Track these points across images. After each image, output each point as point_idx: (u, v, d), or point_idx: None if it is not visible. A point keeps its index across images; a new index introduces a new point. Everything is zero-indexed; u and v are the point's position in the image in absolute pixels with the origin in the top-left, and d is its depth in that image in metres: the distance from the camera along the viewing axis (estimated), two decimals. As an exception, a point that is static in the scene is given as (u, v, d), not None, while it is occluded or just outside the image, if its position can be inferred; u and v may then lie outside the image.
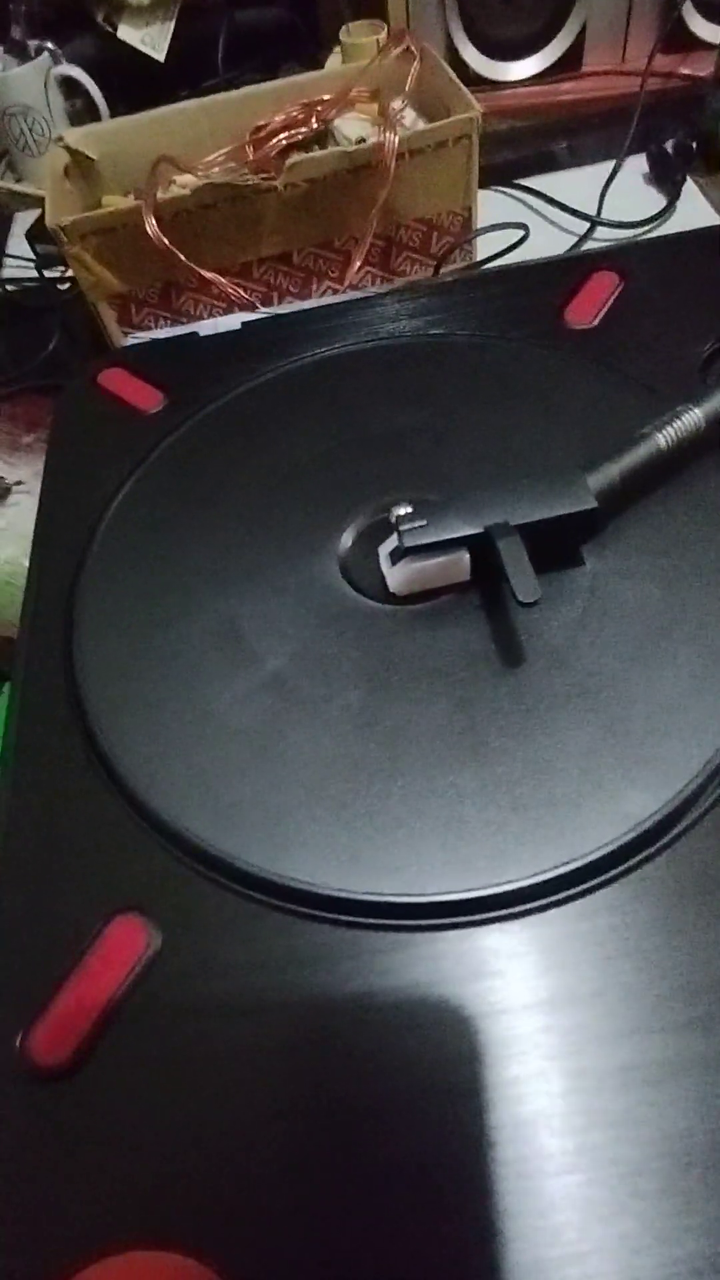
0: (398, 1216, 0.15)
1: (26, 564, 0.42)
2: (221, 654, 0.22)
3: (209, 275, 0.56)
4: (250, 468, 0.27)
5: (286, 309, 0.45)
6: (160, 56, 0.76)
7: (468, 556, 0.22)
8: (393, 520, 0.22)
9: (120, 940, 0.18)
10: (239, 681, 0.22)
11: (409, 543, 0.21)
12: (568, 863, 0.18)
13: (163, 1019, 0.17)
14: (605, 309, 0.28)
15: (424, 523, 0.21)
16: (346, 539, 0.24)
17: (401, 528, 0.22)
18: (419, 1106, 0.16)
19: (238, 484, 0.26)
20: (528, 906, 0.18)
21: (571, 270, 0.29)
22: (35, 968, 0.18)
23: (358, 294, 0.41)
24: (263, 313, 0.40)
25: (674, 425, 0.22)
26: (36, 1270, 0.15)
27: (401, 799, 0.19)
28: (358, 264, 0.59)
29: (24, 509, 0.48)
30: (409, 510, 0.22)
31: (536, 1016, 0.17)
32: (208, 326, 0.35)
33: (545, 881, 0.18)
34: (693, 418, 0.22)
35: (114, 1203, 0.15)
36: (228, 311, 0.59)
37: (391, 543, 0.23)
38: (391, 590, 0.23)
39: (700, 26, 0.75)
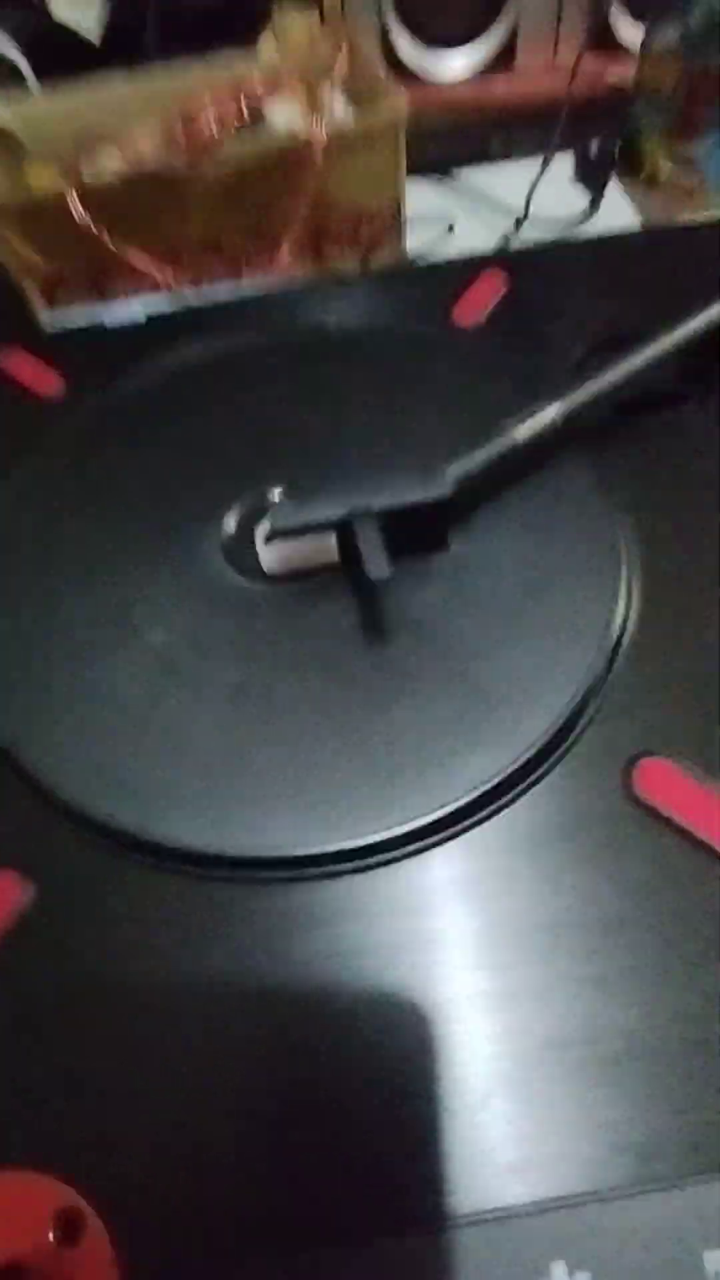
0: (241, 1140, 0.16)
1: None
2: (107, 631, 0.23)
3: (135, 258, 0.55)
4: (144, 455, 0.28)
5: (206, 291, 0.45)
6: (94, 36, 0.75)
7: (334, 539, 0.23)
8: (267, 504, 0.23)
9: None
10: (123, 656, 0.23)
11: (276, 525, 0.23)
12: (415, 819, 0.19)
13: (33, 965, 0.18)
14: (491, 309, 0.30)
15: (293, 507, 0.23)
16: (229, 523, 0.26)
17: (273, 510, 0.23)
18: (275, 1039, 0.17)
19: (130, 472, 0.27)
20: (379, 859, 0.19)
21: (462, 271, 0.31)
22: None
23: (262, 288, 0.42)
24: (172, 303, 0.41)
25: (531, 422, 0.24)
26: None
27: (266, 765, 0.20)
28: (286, 251, 0.59)
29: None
30: (281, 496, 0.23)
31: (386, 957, 0.18)
32: (114, 314, 0.36)
33: (393, 837, 0.19)
34: (548, 414, 0.24)
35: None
36: (156, 293, 0.59)
37: (266, 526, 0.24)
38: (265, 570, 0.24)
39: (627, 30, 0.77)
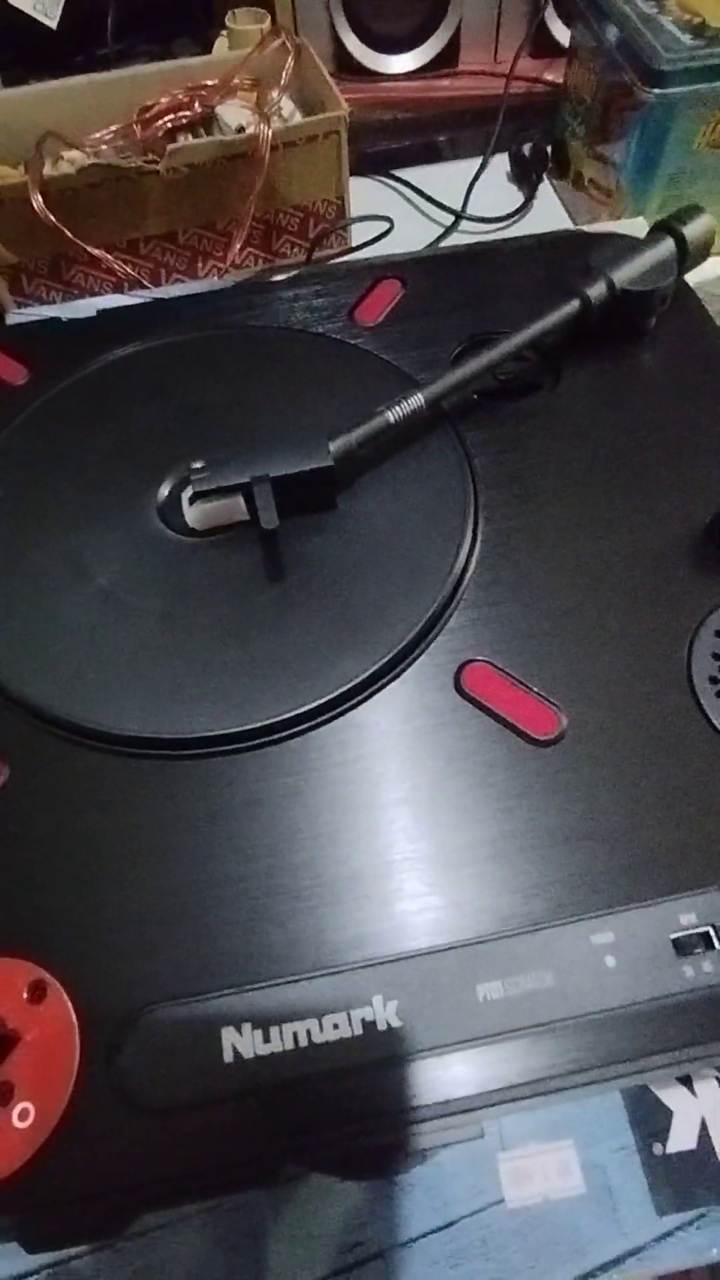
0: (153, 930, 0.23)
1: None
2: (65, 576, 0.29)
3: (96, 252, 0.60)
4: (96, 434, 0.33)
5: (157, 291, 0.50)
6: (53, 24, 0.78)
7: (243, 500, 0.29)
8: (190, 474, 0.29)
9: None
10: (77, 594, 0.29)
11: (195, 488, 0.29)
12: (296, 708, 0.26)
13: (10, 822, 0.25)
14: (387, 311, 0.35)
15: (208, 474, 0.29)
16: (163, 490, 0.32)
17: (193, 477, 0.29)
18: (175, 862, 0.24)
19: (84, 448, 0.33)
20: (265, 739, 0.26)
21: (365, 277, 0.36)
22: None
23: (209, 285, 0.47)
24: (127, 299, 0.46)
25: (402, 404, 0.30)
26: None
27: (187, 671, 0.27)
28: (238, 246, 0.64)
29: None
30: (201, 465, 0.29)
31: (267, 808, 0.25)
32: (71, 309, 0.41)
33: (277, 722, 0.26)
34: (416, 400, 0.30)
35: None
36: (117, 286, 0.63)
37: (190, 490, 0.30)
38: (190, 525, 0.30)
39: (561, 33, 0.82)
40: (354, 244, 0.65)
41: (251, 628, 0.27)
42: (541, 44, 0.80)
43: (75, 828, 0.24)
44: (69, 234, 0.58)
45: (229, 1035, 0.21)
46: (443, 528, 0.29)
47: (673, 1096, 0.26)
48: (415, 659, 0.26)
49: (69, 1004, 0.21)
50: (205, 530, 0.30)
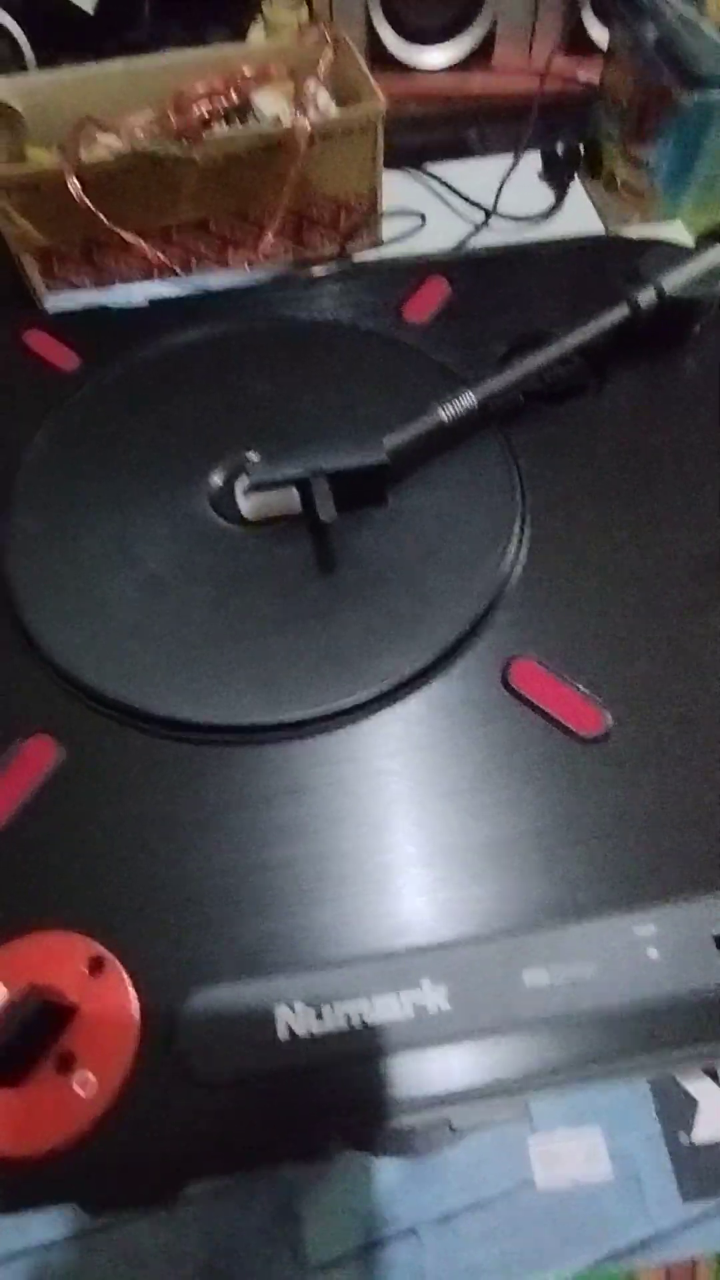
0: (211, 908, 0.23)
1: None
2: (117, 559, 0.30)
3: (129, 237, 0.60)
4: (146, 421, 0.34)
5: (196, 280, 0.51)
6: (89, 7, 0.78)
7: (297, 492, 0.30)
8: (245, 464, 0.30)
9: (36, 753, 0.26)
10: (129, 578, 0.29)
11: (254, 480, 0.29)
12: (348, 700, 0.26)
13: (67, 802, 0.25)
14: (435, 310, 0.36)
15: (265, 466, 0.29)
16: (215, 478, 0.32)
17: (250, 470, 0.29)
18: (230, 846, 0.24)
19: (136, 433, 0.33)
20: (318, 728, 0.26)
21: (412, 274, 0.37)
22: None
23: (253, 277, 0.47)
24: (171, 288, 0.46)
25: (453, 403, 0.30)
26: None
27: (238, 658, 0.27)
28: (270, 235, 0.64)
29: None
30: (257, 457, 0.30)
31: (318, 795, 0.25)
32: (119, 295, 0.41)
33: (330, 713, 0.26)
34: (469, 400, 0.30)
35: (29, 905, 0.23)
36: (147, 271, 0.63)
37: (245, 481, 0.31)
38: (244, 516, 0.31)
39: (597, 32, 0.82)
40: (383, 238, 0.66)
41: (302, 618, 0.28)
42: (576, 42, 0.80)
43: (130, 809, 0.25)
44: (104, 219, 0.58)
45: (283, 1013, 0.21)
46: (490, 526, 0.29)
47: (700, 1088, 0.27)
48: (463, 654, 0.27)
49: (126, 979, 0.22)
50: (257, 520, 0.30)
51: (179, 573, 0.29)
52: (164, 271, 0.64)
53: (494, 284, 0.36)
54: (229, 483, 0.32)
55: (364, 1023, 0.21)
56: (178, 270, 0.64)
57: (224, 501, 0.31)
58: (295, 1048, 0.21)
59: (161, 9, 0.80)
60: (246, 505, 0.30)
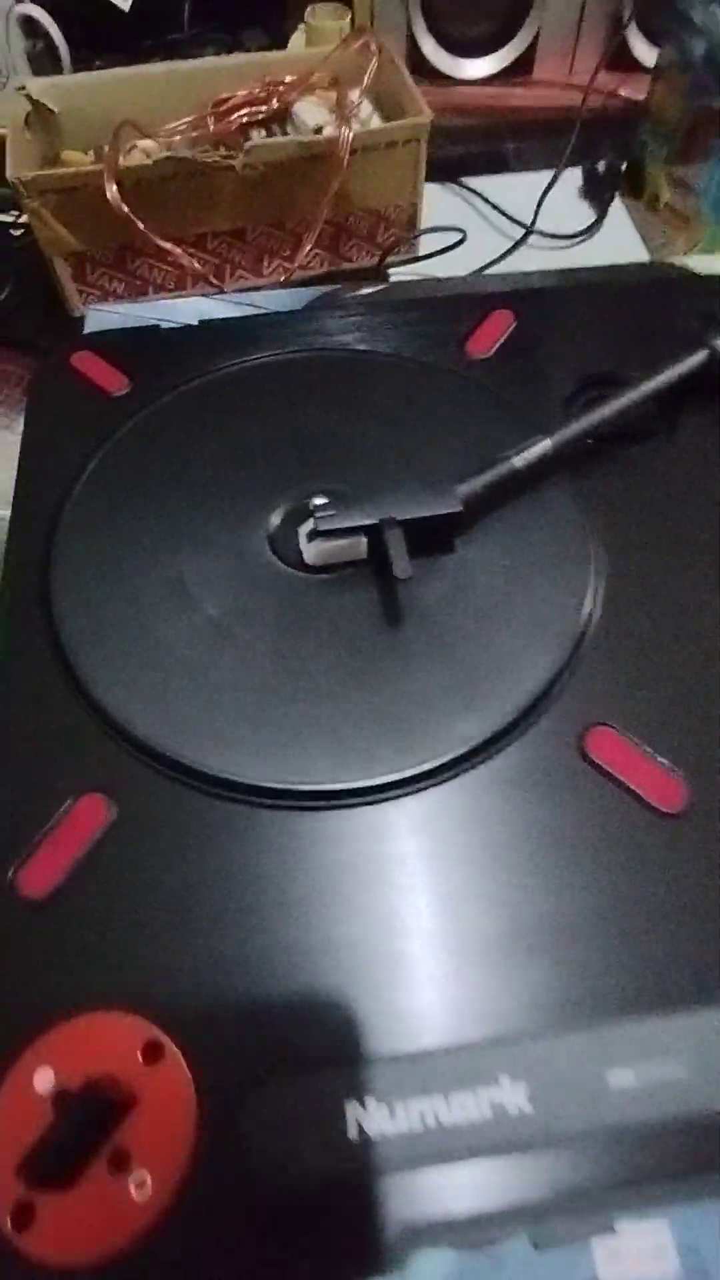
0: (277, 989, 0.22)
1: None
2: (171, 602, 0.28)
3: (165, 244, 0.59)
4: (200, 451, 0.32)
5: (242, 297, 0.49)
6: (125, 5, 0.77)
7: (365, 540, 0.28)
8: (311, 508, 0.28)
9: (88, 812, 0.24)
10: (184, 623, 0.28)
11: (321, 527, 0.28)
12: (415, 767, 0.25)
13: (118, 867, 0.24)
14: (499, 344, 0.35)
15: (334, 513, 0.28)
16: (274, 518, 0.31)
17: (317, 515, 0.28)
18: (296, 920, 0.23)
19: (189, 464, 0.32)
20: (384, 796, 0.25)
21: (476, 306, 0.35)
22: (23, 826, 0.24)
23: (303, 296, 0.46)
24: (219, 306, 0.44)
25: (529, 451, 0.29)
26: (23, 1026, 0.21)
27: (301, 717, 0.26)
28: (308, 247, 0.63)
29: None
30: (324, 501, 0.28)
31: (384, 867, 0.24)
32: (162, 311, 0.40)
33: (398, 779, 0.25)
34: (543, 446, 0.29)
35: (78, 983, 0.22)
36: (180, 279, 0.62)
37: (309, 525, 0.29)
38: (306, 561, 0.29)
39: (641, 50, 0.81)
40: (420, 254, 0.65)
41: (367, 674, 0.26)
42: (620, 58, 0.79)
43: (187, 875, 0.23)
44: (140, 225, 0.57)
45: (353, 1109, 0.20)
46: (563, 579, 0.28)
47: (772, 1181, 0.26)
48: (536, 720, 0.26)
49: (185, 1067, 0.21)
50: (319, 566, 0.29)
51: (237, 619, 0.28)
52: (198, 280, 0.63)
53: (561, 319, 0.35)
54: (290, 524, 0.30)
55: (439, 1122, 0.20)
56: (212, 280, 0.63)
57: (284, 544, 0.30)
58: (366, 1148, 0.20)
59: (199, 11, 0.79)
60: (310, 551, 0.29)
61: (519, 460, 0.28)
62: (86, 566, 0.29)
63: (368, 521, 0.27)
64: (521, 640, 0.27)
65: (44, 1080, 0.21)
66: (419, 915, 0.23)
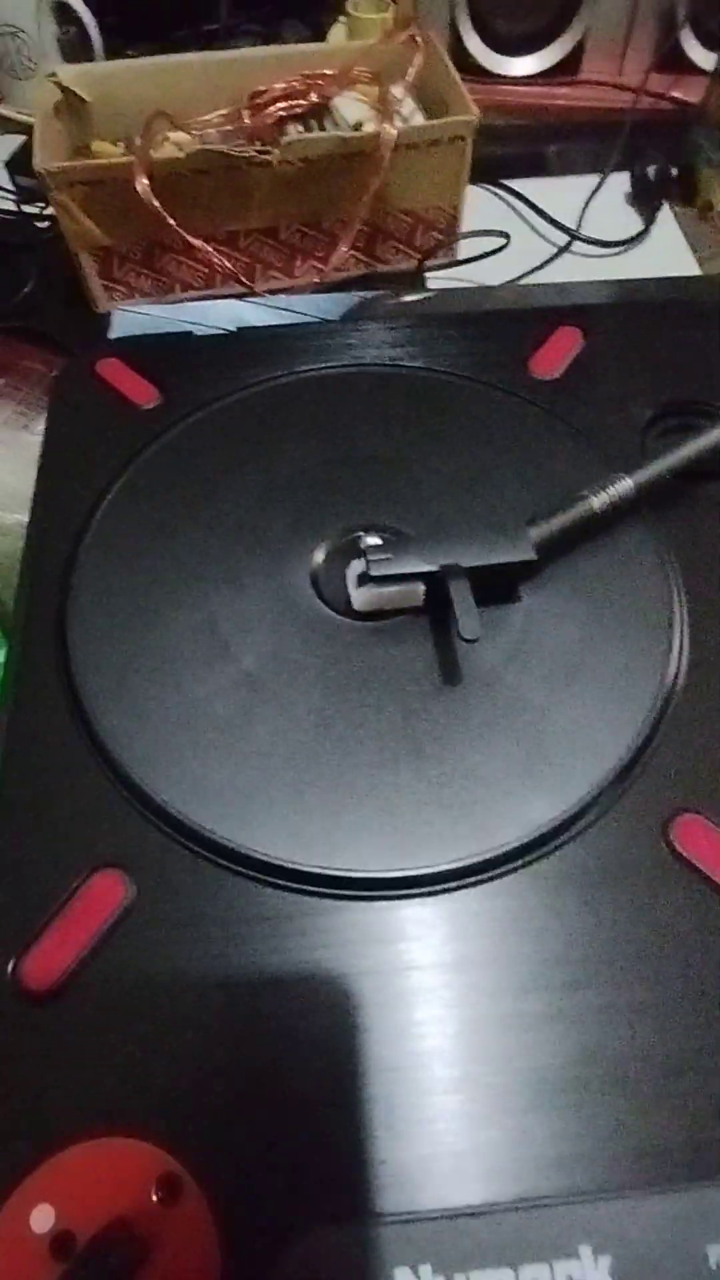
0: (317, 1117, 0.19)
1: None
2: (202, 649, 0.25)
3: (195, 241, 0.56)
4: (237, 475, 0.29)
5: (279, 301, 0.46)
6: (160, -10, 0.74)
7: (423, 587, 0.25)
8: (363, 548, 0.25)
9: (102, 891, 0.21)
10: (216, 675, 0.25)
11: (375, 572, 0.24)
12: (478, 854, 0.22)
13: (133, 957, 0.21)
14: (567, 364, 0.31)
15: (390, 556, 0.24)
16: (318, 555, 0.27)
17: (370, 557, 0.25)
18: (341, 1036, 0.20)
19: (223, 489, 0.29)
20: (443, 886, 0.21)
21: (540, 322, 0.32)
22: (28, 907, 0.21)
23: (344, 302, 0.43)
24: (255, 312, 0.41)
25: (608, 491, 0.26)
26: (19, 1154, 0.18)
27: (347, 790, 0.23)
28: (343, 248, 0.60)
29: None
30: (378, 542, 0.25)
31: (441, 974, 0.21)
32: (196, 312, 0.37)
33: (459, 868, 0.21)
34: (625, 487, 0.26)
35: (84, 1101, 0.19)
36: (209, 279, 0.59)
37: (359, 566, 0.26)
38: (355, 607, 0.26)
39: (696, 52, 0.77)
40: (460, 258, 0.62)
41: (423, 743, 0.23)
42: (672, 59, 0.76)
43: (211, 970, 0.20)
44: (171, 221, 0.54)
45: (404, 1276, 0.17)
46: (642, 635, 0.25)
47: None
48: (614, 803, 0.22)
49: (206, 1208, 0.18)
50: (369, 613, 0.26)
51: (275, 671, 0.25)
52: (228, 279, 0.60)
53: (634, 338, 0.32)
54: (335, 563, 0.27)
55: (507, 1299, 0.17)
56: (242, 279, 0.60)
57: (329, 584, 0.27)
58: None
59: (236, 0, 0.76)
60: (360, 597, 0.26)
61: (597, 501, 0.25)
62: (108, 604, 0.26)
63: (428, 568, 0.24)
64: (597, 708, 0.23)
65: (43, 1219, 0.18)
66: (478, 1035, 0.20)
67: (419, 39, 0.60)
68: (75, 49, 0.69)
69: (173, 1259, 0.17)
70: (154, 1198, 0.18)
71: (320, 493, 0.28)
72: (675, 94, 0.77)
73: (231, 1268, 0.17)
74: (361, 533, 0.27)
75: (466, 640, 0.22)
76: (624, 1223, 0.17)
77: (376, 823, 0.22)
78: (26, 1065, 0.19)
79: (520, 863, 0.22)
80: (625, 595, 0.26)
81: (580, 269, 0.63)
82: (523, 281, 0.59)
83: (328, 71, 0.63)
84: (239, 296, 0.58)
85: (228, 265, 0.59)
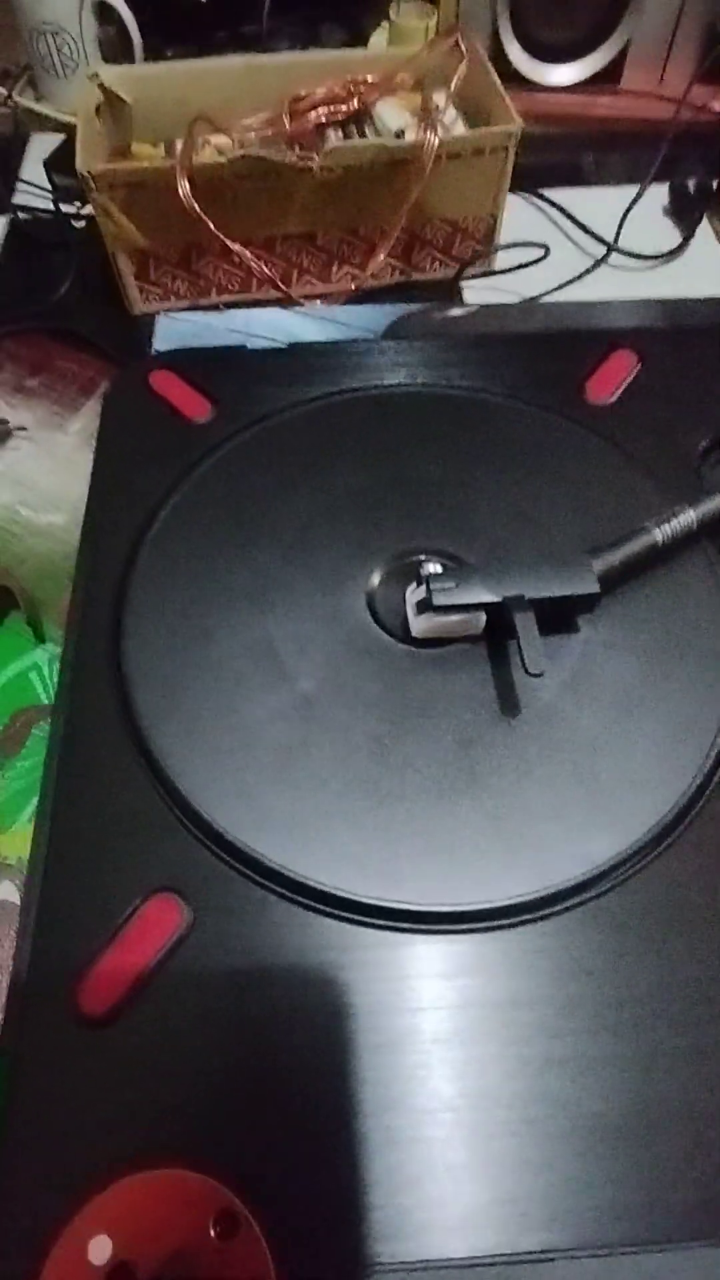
0: (376, 1155, 0.19)
1: (22, 511, 0.43)
2: (258, 670, 0.25)
3: (233, 246, 0.56)
4: (291, 492, 0.29)
5: (318, 310, 0.46)
6: (201, -8, 0.74)
7: (485, 616, 0.25)
8: (424, 575, 0.25)
9: (158, 916, 0.21)
10: (272, 697, 0.25)
11: (438, 601, 0.24)
12: (537, 891, 0.21)
13: (189, 984, 0.20)
14: (622, 389, 0.31)
15: (453, 584, 0.24)
16: (375, 578, 0.27)
17: (433, 585, 0.24)
18: (398, 1072, 0.20)
19: (278, 507, 0.28)
20: (499, 923, 0.21)
21: (595, 345, 0.32)
22: (85, 931, 0.21)
23: (391, 313, 0.43)
24: (306, 326, 0.41)
25: (671, 524, 0.25)
26: (76, 1182, 0.18)
27: (405, 820, 0.22)
28: (381, 255, 0.60)
29: (24, 454, 0.49)
30: (439, 570, 0.25)
31: (498, 1011, 0.21)
32: (239, 321, 0.37)
33: (517, 904, 0.21)
34: (688, 519, 0.25)
35: (141, 1129, 0.19)
36: (245, 283, 0.59)
37: (419, 593, 0.26)
38: (414, 634, 0.26)
39: (737, 64, 0.76)
40: (497, 268, 0.61)
41: (482, 776, 0.23)
42: (713, 70, 0.75)
43: (272, 998, 0.20)
44: (210, 225, 0.54)
45: (465, 1322, 0.17)
46: (702, 668, 0.25)
47: None
48: (677, 839, 0.22)
49: (265, 1246, 0.17)
50: (427, 640, 0.26)
51: (332, 696, 0.24)
52: (264, 284, 0.60)
53: (691, 363, 0.32)
54: (392, 586, 0.27)
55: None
56: (280, 285, 0.60)
57: (386, 608, 0.26)
58: None
59: (277, 4, 0.76)
60: (420, 624, 0.26)
61: (659, 533, 0.25)
62: (163, 621, 0.26)
63: (492, 599, 0.24)
64: (656, 743, 0.23)
65: (100, 1251, 0.17)
66: (540, 1078, 0.20)
67: (463, 47, 0.60)
68: (115, 49, 0.68)
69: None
70: (212, 1232, 0.18)
71: (375, 514, 0.28)
72: (717, 106, 0.76)
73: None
74: (422, 557, 0.27)
75: (531, 675, 0.22)
76: (680, 1273, 0.17)
77: (432, 855, 0.22)
78: (83, 1090, 0.19)
79: (577, 901, 0.21)
80: (684, 627, 0.26)
81: (617, 280, 0.63)
82: (560, 294, 0.59)
83: (369, 78, 0.63)
84: (275, 303, 0.58)
85: (265, 270, 0.59)
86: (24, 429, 0.52)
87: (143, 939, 0.21)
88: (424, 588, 0.24)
